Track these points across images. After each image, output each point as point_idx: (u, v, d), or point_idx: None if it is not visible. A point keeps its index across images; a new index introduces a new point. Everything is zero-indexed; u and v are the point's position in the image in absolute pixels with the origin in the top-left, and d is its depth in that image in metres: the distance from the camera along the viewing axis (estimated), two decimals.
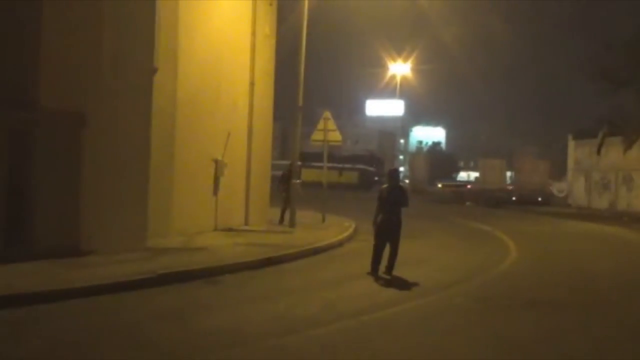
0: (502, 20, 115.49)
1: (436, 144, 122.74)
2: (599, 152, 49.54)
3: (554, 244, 25.65)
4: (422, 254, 20.02)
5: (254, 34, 24.89)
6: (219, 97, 22.80)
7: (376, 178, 76.16)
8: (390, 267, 15.95)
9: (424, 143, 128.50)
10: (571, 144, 55.38)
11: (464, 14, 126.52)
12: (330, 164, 32.06)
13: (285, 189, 25.83)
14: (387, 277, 15.68)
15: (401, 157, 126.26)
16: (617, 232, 30.99)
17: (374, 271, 15.93)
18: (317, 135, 27.46)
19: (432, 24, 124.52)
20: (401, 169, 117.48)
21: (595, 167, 51.49)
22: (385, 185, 16.44)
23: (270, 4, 26.53)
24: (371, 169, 78.66)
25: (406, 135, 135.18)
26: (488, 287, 15.45)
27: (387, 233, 15.97)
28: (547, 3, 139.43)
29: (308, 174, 52.43)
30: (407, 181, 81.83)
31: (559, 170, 62.00)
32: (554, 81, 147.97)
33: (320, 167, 29.95)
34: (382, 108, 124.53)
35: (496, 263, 18.93)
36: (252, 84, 24.87)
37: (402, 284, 15.09)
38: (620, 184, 48.86)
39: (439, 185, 68.30)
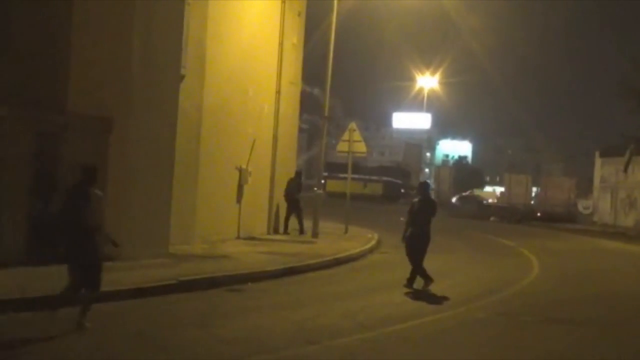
0: (533, 35, 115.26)
1: (462, 158, 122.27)
2: (625, 170, 49.31)
3: (577, 262, 25.54)
4: (444, 268, 19.96)
5: (281, 43, 25.05)
6: (245, 105, 22.94)
7: (402, 190, 75.91)
8: (411, 280, 16.11)
9: (450, 156, 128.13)
10: (598, 161, 55.10)
11: (494, 28, 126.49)
12: (355, 175, 32.11)
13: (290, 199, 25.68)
14: (409, 289, 15.80)
15: (427, 170, 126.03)
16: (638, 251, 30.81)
17: (410, 283, 16.06)
18: (342, 146, 27.57)
19: (461, 38, 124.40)
20: (428, 181, 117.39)
21: (621, 185, 51.19)
22: (416, 199, 16.58)
23: (299, 14, 26.69)
24: (397, 181, 78.38)
25: (432, 149, 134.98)
26: (509, 302, 15.43)
27: (414, 246, 16.12)
28: (582, 18, 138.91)
29: (332, 185, 52.61)
30: (432, 194, 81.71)
31: (585, 187, 61.65)
32: (584, 97, 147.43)
33: (345, 178, 30.03)
34: (409, 121, 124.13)
35: (518, 279, 18.88)
36: (278, 92, 25.03)
37: (424, 298, 15.12)
38: None
39: (453, 200, 67.75)
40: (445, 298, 15.16)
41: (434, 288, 15.96)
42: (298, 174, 26.50)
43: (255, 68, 23.67)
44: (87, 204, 10.37)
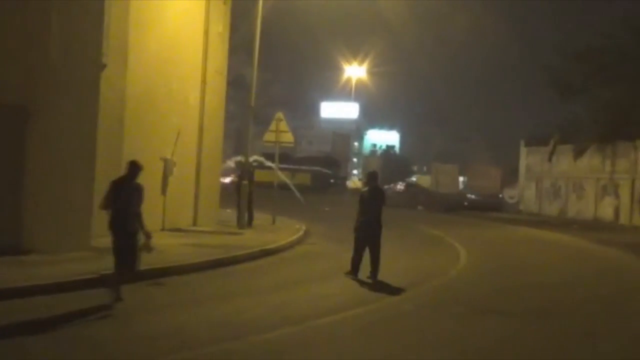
0: (459, 24, 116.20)
1: (390, 148, 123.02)
2: (550, 159, 50.09)
3: (503, 251, 25.77)
4: (367, 260, 19.94)
5: (207, 32, 24.73)
6: (169, 95, 22.57)
7: (332, 180, 75.90)
8: (375, 272, 16.01)
9: (378, 146, 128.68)
10: (523, 150, 55.70)
11: (421, 17, 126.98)
12: (283, 165, 31.91)
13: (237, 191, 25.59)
14: (371, 281, 15.76)
15: (355, 159, 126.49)
16: (564, 239, 31.21)
17: (354, 271, 16.06)
18: (269, 137, 27.38)
19: (389, 27, 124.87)
20: (354, 171, 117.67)
21: (546, 174, 51.91)
22: (365, 189, 16.68)
23: (224, 3, 26.39)
24: (326, 171, 78.34)
25: (360, 138, 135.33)
26: (437, 293, 15.39)
27: (368, 236, 16.09)
28: (510, 7, 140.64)
29: (261, 175, 52.28)
30: (360, 182, 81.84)
31: (512, 177, 62.39)
32: (511, 87, 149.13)
33: (280, 169, 29.91)
34: (337, 110, 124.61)
35: (446, 269, 18.88)
36: (203, 82, 24.72)
37: (349, 290, 14.98)
38: (571, 192, 49.27)
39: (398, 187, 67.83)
40: (371, 290, 15.04)
41: (359, 279, 15.87)
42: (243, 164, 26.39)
43: (180, 57, 23.32)
44: (135, 194, 12.47)
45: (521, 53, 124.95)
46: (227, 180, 42.61)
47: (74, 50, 16.50)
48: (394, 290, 15.03)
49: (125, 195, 12.41)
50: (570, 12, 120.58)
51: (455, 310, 13.30)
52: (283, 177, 37.44)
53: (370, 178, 17.17)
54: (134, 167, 12.81)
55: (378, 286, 15.40)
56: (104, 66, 18.01)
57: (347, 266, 16.29)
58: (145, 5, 20.85)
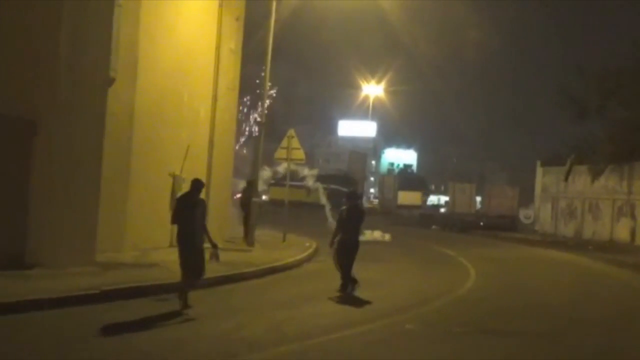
0: (476, 45, 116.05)
1: (407, 167, 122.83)
2: (566, 179, 49.67)
3: (515, 271, 25.51)
4: (379, 277, 19.79)
5: (218, 48, 24.69)
6: (180, 110, 22.54)
7: None
8: (344, 285, 16.28)
9: (395, 165, 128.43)
10: (539, 170, 55.31)
11: (438, 38, 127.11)
12: (298, 183, 31.91)
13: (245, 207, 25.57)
14: (339, 294, 16.00)
15: (372, 178, 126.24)
16: (578, 260, 30.89)
17: (343, 285, 16.33)
18: (280, 154, 27.35)
19: (407, 46, 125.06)
20: (372, 190, 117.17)
21: (562, 195, 51.50)
22: (344, 207, 16.81)
23: (237, 19, 26.36)
24: (343, 189, 77.63)
25: (378, 157, 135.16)
26: (441, 312, 15.22)
27: (346, 252, 16.39)
28: (525, 28, 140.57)
29: (276, 192, 52.20)
30: (376, 201, 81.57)
31: (528, 197, 61.98)
32: (528, 107, 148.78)
33: (294, 186, 29.91)
34: (355, 129, 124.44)
35: (454, 288, 18.70)
36: (214, 98, 24.65)
37: (354, 307, 14.90)
38: (587, 212, 48.84)
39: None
40: (375, 308, 14.93)
41: (367, 297, 15.78)
42: (250, 183, 26.22)
43: (191, 73, 23.30)
44: (200, 209, 13.77)
45: (538, 73, 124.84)
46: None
47: (81, 65, 16.53)
48: (398, 309, 14.90)
49: (189, 210, 13.63)
50: (587, 32, 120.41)
51: (458, 330, 13.14)
52: (323, 197, 37.56)
53: (350, 197, 17.41)
54: (198, 184, 13.99)
55: (383, 305, 15.29)
56: (112, 81, 18.02)
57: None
58: (156, 20, 20.86)
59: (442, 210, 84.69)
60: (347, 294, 15.99)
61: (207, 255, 14.02)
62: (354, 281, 16.36)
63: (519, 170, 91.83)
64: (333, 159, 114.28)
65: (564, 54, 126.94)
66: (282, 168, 29.60)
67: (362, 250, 16.81)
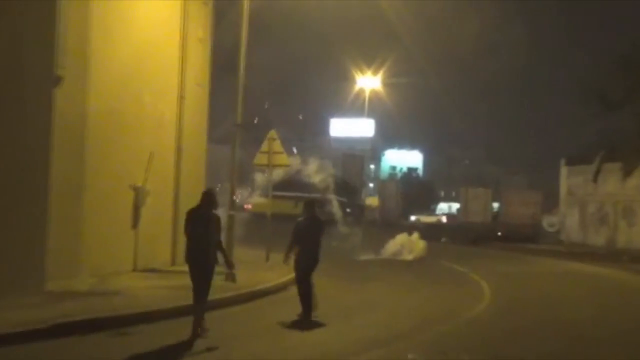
0: (487, 33, 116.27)
1: (412, 170, 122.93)
2: (595, 180, 49.71)
3: (535, 288, 25.47)
4: (379, 297, 19.83)
5: (184, 38, 24.62)
6: (141, 112, 22.44)
7: (348, 210, 74.61)
8: (305, 310, 16.56)
9: (397, 169, 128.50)
10: (563, 170, 55.41)
11: (444, 23, 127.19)
12: (284, 193, 31.87)
13: None
14: (298, 318, 16.32)
15: (371, 185, 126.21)
16: (612, 275, 30.93)
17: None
18: (260, 159, 27.23)
19: (407, 32, 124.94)
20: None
21: (591, 198, 51.55)
22: (300, 219, 17.17)
23: (205, 4, 26.29)
24: (340, 198, 76.82)
25: (377, 160, 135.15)
26: (449, 338, 15.20)
27: (300, 268, 16.92)
28: (539, 17, 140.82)
29: (259, 205, 51.97)
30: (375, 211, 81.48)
31: (552, 201, 62.08)
32: (546, 101, 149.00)
33: (280, 197, 29.86)
34: (350, 128, 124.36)
35: (464, 309, 18.72)
36: (181, 97, 24.63)
37: (349, 335, 14.88)
38: (620, 217, 48.92)
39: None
40: (373, 335, 14.91)
41: (364, 322, 15.90)
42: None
43: (153, 68, 23.23)
44: (212, 224, 14.28)
45: (556, 65, 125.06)
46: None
47: (23, 63, 16.46)
48: (399, 336, 14.91)
49: (201, 225, 14.19)
50: (605, 20, 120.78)
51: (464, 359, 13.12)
52: (338, 210, 37.56)
53: (307, 207, 17.50)
54: (209, 196, 14.63)
55: (381, 331, 15.30)
56: (58, 79, 17.89)
57: (348, 308, 16.33)
58: (110, 7, 20.75)
59: (444, 219, 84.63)
60: (341, 326, 15.94)
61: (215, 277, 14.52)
62: (307, 306, 16.54)
63: (540, 172, 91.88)
64: (322, 163, 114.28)
65: (582, 43, 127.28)
66: (277, 173, 29.42)
67: (358, 267, 16.85)
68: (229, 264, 14.80)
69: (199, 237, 14.11)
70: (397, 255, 34.18)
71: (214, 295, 17.88)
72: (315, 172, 36.40)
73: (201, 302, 14.25)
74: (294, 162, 30.21)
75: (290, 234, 17.01)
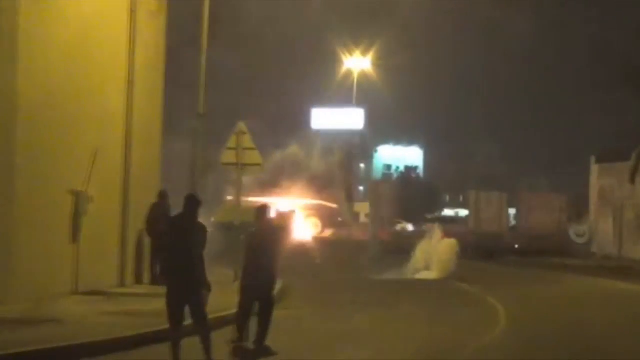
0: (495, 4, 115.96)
1: (410, 170, 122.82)
2: (632, 180, 49.80)
3: (560, 313, 25.45)
4: (370, 326, 19.87)
5: (133, 10, 24.66)
6: (82, 102, 22.59)
7: (339, 219, 74.30)
8: (260, 337, 16.33)
9: (393, 168, 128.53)
10: (594, 169, 55.54)
11: None
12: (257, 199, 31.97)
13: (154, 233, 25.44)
14: (252, 348, 16.25)
15: (361, 187, 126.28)
16: None
17: (240, 337, 16.40)
18: (227, 157, 27.23)
19: (403, 6, 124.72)
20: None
21: (628, 202, 51.69)
22: (253, 229, 17.11)
23: None
24: (330, 205, 76.44)
25: (369, 157, 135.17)
26: None
27: (257, 290, 16.49)
28: None
29: (224, 213, 51.77)
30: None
31: (579, 207, 62.21)
32: (569, 87, 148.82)
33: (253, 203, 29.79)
34: (335, 119, 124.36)
35: (473, 339, 18.80)
36: (130, 82, 24.74)
37: None
38: None
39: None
40: None
41: (350, 356, 15.80)
42: (163, 195, 26.10)
43: (97, 48, 23.35)
44: (199, 235, 14.34)
45: (581, 41, 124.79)
46: None
47: None
48: None
49: (185, 237, 14.26)
50: None
51: None
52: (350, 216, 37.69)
53: (260, 214, 17.37)
54: (193, 202, 14.67)
55: None
56: None
57: (334, 340, 16.37)
58: None
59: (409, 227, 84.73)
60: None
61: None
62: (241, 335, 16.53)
63: (565, 171, 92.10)
64: (305, 161, 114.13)
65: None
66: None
67: (343, 288, 16.90)
68: (207, 285, 14.63)
69: (180, 252, 14.14)
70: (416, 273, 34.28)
71: (165, 324, 18.06)
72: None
73: (180, 329, 14.43)
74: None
75: (244, 249, 16.78)
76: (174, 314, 14.30)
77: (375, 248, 47.25)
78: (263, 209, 17.49)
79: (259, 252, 16.45)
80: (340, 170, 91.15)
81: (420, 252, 35.93)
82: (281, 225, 18.68)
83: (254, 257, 16.46)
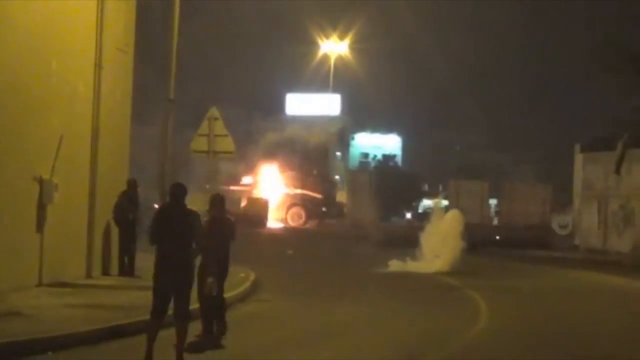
0: None
1: (389, 158, 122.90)
2: (617, 170, 49.86)
3: (544, 307, 25.57)
4: (344, 323, 19.81)
5: None
6: (47, 86, 22.45)
7: (324, 209, 74.06)
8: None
9: (371, 156, 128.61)
10: (578, 157, 55.44)
11: None
12: (235, 187, 31.98)
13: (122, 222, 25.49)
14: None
15: (337, 177, 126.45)
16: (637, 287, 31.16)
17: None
18: (198, 144, 27.05)
19: None
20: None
21: (613, 192, 51.74)
22: (206, 219, 17.24)
23: None
24: (314, 195, 76.01)
25: (345, 145, 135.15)
26: None
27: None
28: None
29: (198, 201, 51.61)
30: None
31: (563, 197, 62.28)
32: (553, 72, 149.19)
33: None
34: (310, 105, 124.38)
35: (455, 335, 18.89)
36: (98, 65, 24.58)
37: None
38: None
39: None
40: None
41: (325, 354, 15.77)
42: (131, 183, 25.99)
43: (63, 29, 23.19)
44: (192, 223, 14.50)
45: (567, 24, 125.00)
46: None
47: None
48: None
49: (173, 224, 14.35)
50: None
51: None
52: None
53: (214, 204, 17.65)
54: (179, 189, 14.76)
55: None
56: None
57: (311, 334, 16.99)
58: None
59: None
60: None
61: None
62: (223, 324, 17.10)
63: (548, 160, 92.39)
64: (279, 149, 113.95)
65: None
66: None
67: (320, 282, 16.83)
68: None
69: (170, 243, 14.17)
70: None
71: (130, 317, 18.04)
72: None
73: (161, 322, 14.39)
74: None
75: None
76: (158, 306, 14.29)
77: (373, 239, 47.11)
78: (217, 200, 17.74)
79: (213, 241, 16.54)
80: (323, 160, 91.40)
81: (425, 240, 35.62)
82: (231, 218, 18.53)
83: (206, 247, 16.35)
